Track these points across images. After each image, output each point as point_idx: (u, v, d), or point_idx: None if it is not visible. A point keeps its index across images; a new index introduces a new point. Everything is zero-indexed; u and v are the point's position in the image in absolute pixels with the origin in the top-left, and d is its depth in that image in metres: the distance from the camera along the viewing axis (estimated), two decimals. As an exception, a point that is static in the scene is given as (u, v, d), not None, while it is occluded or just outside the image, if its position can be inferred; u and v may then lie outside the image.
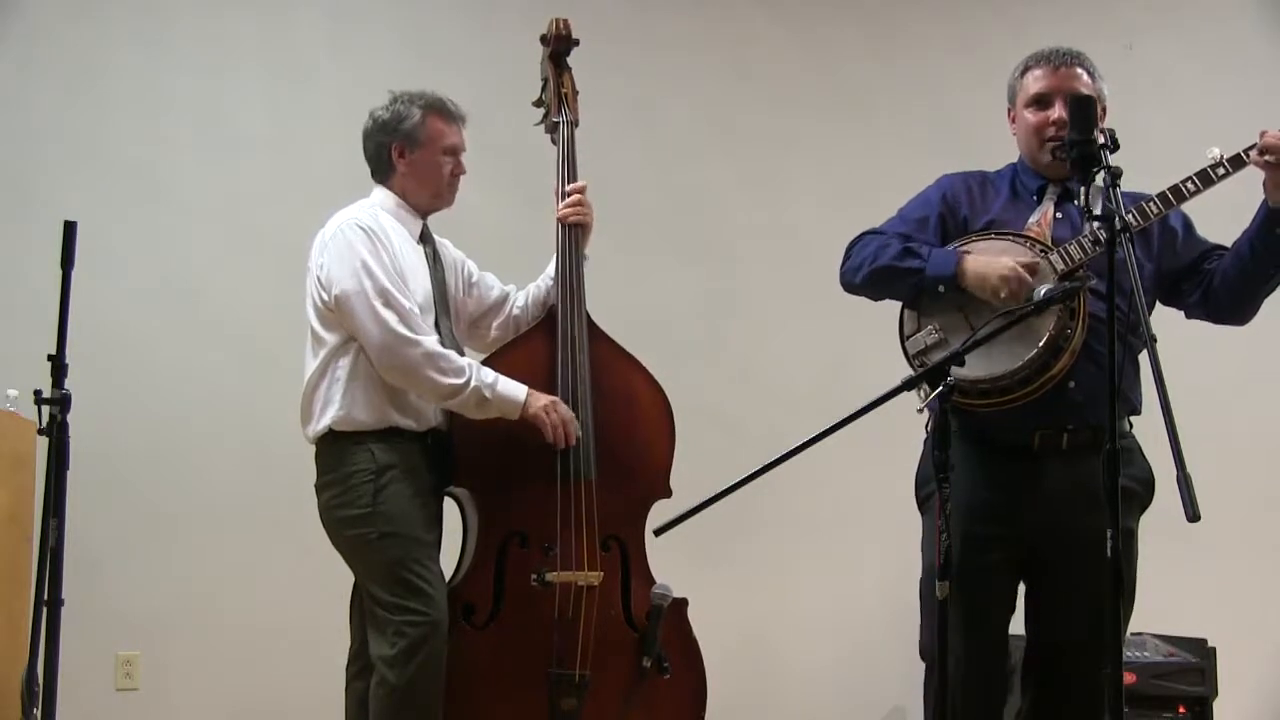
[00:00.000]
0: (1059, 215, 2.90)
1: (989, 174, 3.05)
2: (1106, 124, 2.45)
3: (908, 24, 5.18)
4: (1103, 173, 2.38)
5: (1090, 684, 2.76)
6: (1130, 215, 2.61)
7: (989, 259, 2.81)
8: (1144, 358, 2.52)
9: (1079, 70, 2.91)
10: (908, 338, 2.90)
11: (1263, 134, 2.76)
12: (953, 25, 5.17)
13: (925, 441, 2.98)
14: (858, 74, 5.12)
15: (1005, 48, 3.08)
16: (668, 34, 4.99)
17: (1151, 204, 2.78)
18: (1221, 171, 2.77)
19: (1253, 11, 5.20)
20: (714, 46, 5.03)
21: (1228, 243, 2.93)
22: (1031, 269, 2.76)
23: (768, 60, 5.07)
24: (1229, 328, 3.02)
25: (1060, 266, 2.77)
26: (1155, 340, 2.25)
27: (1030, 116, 2.93)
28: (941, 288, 2.83)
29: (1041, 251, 2.80)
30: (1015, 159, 3.04)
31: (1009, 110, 3.02)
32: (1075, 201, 2.89)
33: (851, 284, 3.01)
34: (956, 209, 2.97)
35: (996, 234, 2.88)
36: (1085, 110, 2.46)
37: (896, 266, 2.88)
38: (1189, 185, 2.77)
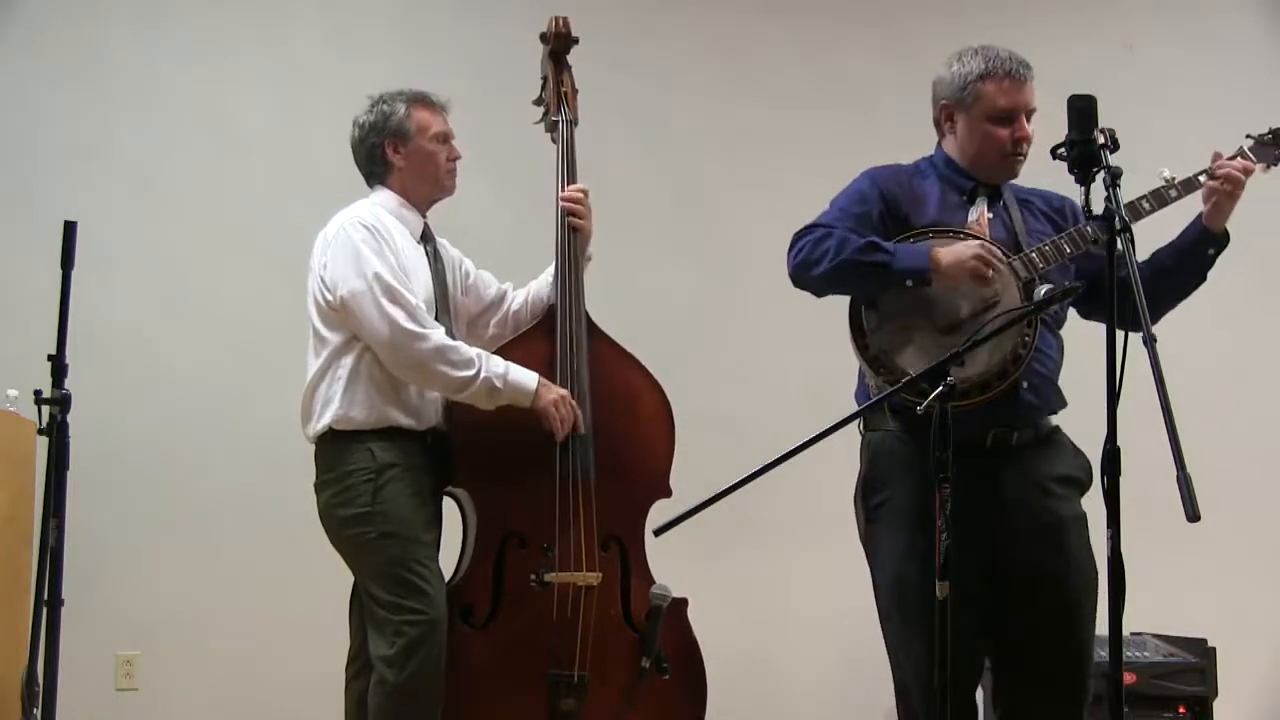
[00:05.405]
0: (991, 216, 2.88)
1: (908, 167, 3.01)
2: (1104, 124, 2.44)
3: (908, 23, 5.17)
4: (1103, 173, 2.38)
5: (1070, 678, 2.76)
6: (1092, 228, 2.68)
7: (956, 245, 2.78)
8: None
9: (1033, 83, 2.89)
10: (867, 335, 2.82)
11: (1216, 157, 2.82)
12: (953, 24, 5.15)
13: (861, 447, 2.93)
14: (858, 74, 5.11)
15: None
16: (668, 33, 4.98)
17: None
18: (1174, 194, 2.82)
19: (1253, 11, 5.19)
20: (714, 45, 5.03)
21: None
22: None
23: (767, 60, 5.07)
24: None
25: (1024, 274, 2.76)
26: (1155, 340, 2.25)
27: (993, 130, 2.88)
28: (910, 281, 2.76)
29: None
30: (972, 154, 2.93)
31: (944, 104, 2.97)
32: (1002, 203, 2.91)
33: (803, 278, 2.89)
34: (895, 205, 2.91)
35: (955, 232, 2.83)
36: (1085, 110, 2.44)
37: (862, 261, 2.78)
38: (1144, 204, 2.81)
